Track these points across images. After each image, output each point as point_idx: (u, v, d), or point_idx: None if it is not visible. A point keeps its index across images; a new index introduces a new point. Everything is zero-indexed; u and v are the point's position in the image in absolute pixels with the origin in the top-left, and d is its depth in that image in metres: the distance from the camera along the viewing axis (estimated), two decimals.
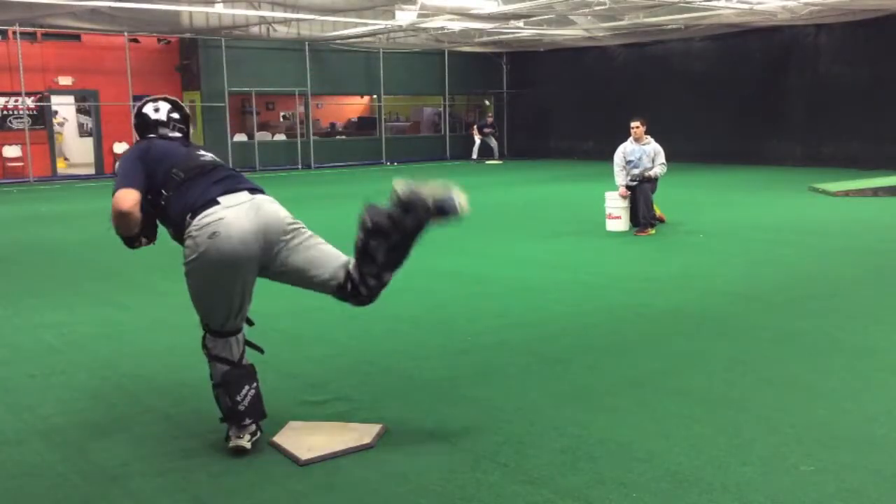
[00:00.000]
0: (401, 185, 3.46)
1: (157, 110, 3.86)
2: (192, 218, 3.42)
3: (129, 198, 3.43)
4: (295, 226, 3.57)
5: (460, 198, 3.48)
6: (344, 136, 25.54)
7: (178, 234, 3.53)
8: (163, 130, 3.82)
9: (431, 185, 3.48)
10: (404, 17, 17.62)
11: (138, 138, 3.86)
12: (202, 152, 3.77)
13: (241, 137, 22.58)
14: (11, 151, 19.65)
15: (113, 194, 3.48)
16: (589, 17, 18.75)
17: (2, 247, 9.71)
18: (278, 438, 3.64)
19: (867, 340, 5.15)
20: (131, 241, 3.64)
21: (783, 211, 11.80)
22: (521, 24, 19.45)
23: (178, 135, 3.84)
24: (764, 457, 3.40)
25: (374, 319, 5.78)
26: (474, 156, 24.36)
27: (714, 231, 9.82)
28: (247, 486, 3.23)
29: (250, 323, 3.70)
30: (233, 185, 3.56)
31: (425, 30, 20.14)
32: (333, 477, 3.29)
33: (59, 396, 4.30)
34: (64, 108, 22.45)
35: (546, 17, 18.71)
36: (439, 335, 5.44)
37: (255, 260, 3.46)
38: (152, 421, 3.93)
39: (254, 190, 3.58)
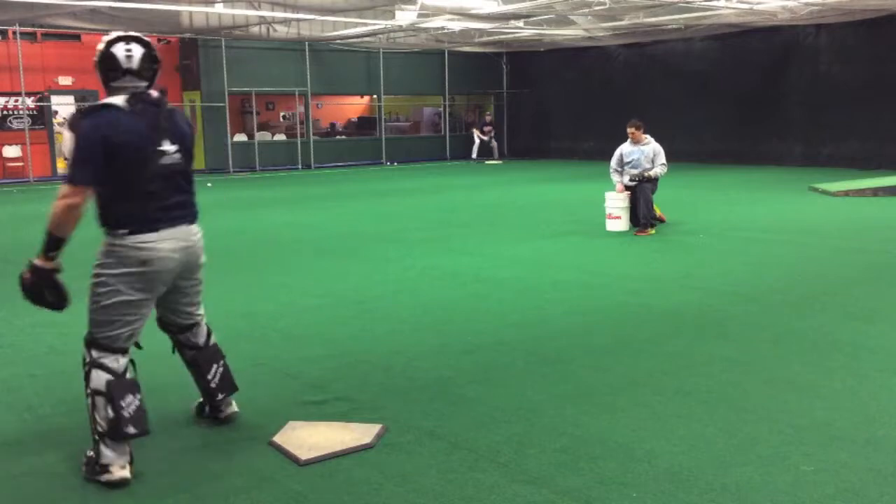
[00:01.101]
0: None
1: (129, 54, 3.31)
2: (128, 235, 3.29)
3: (78, 198, 3.22)
4: (200, 274, 3.68)
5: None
6: (344, 136, 25.54)
7: (100, 220, 3.36)
8: (128, 81, 3.33)
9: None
10: (404, 17, 17.61)
11: (101, 78, 3.37)
12: (167, 146, 3.35)
13: (241, 137, 22.57)
14: (11, 151, 19.66)
15: (65, 182, 3.24)
16: (589, 17, 18.73)
17: (2, 247, 9.70)
18: (278, 438, 3.64)
19: (867, 340, 5.15)
20: (38, 299, 3.49)
21: (783, 211, 11.80)
22: (521, 24, 19.44)
23: (143, 84, 3.36)
24: (764, 457, 3.40)
25: (374, 319, 5.78)
26: (474, 155, 24.36)
27: (714, 231, 9.83)
28: (247, 486, 3.23)
29: (139, 346, 3.57)
30: (176, 215, 3.41)
31: (425, 30, 20.13)
32: (333, 477, 3.30)
33: (59, 396, 4.31)
34: (64, 108, 22.44)
35: (546, 17, 18.70)
36: (439, 335, 5.43)
37: (161, 291, 3.50)
38: (152, 421, 3.92)
39: (193, 219, 3.53)
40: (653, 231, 9.64)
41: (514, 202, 13.67)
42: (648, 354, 4.93)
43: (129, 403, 3.30)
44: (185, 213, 3.49)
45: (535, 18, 18.93)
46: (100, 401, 3.28)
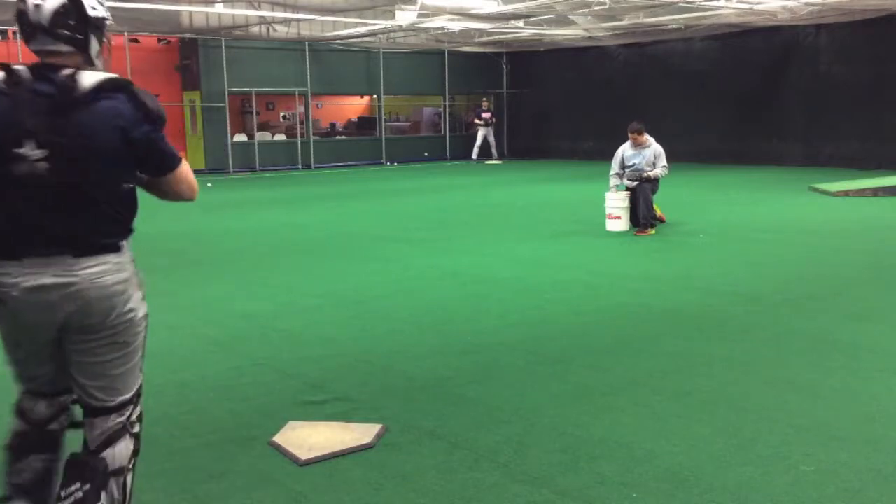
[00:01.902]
0: None
1: (37, 3, 2.48)
2: None
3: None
4: (111, 336, 2.63)
5: None
6: (344, 136, 25.53)
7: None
8: (41, 43, 2.51)
9: None
10: (404, 17, 17.61)
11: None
12: (27, 149, 2.41)
13: (241, 137, 22.57)
14: None
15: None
16: (589, 17, 18.73)
17: None
18: (278, 438, 3.64)
19: (867, 340, 5.15)
20: None
21: (783, 211, 11.80)
22: (521, 24, 19.45)
23: (67, 48, 2.55)
24: (764, 457, 3.40)
25: (374, 319, 5.78)
26: (474, 156, 24.35)
27: (714, 231, 9.83)
28: (247, 486, 3.23)
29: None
30: (38, 242, 2.47)
31: (425, 30, 20.14)
32: (333, 477, 3.30)
33: None
34: None
35: (546, 17, 18.70)
36: (439, 335, 5.44)
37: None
38: (152, 421, 3.92)
39: (81, 251, 2.50)
40: (653, 231, 9.64)
41: (514, 202, 13.68)
42: (648, 354, 4.93)
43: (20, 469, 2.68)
44: (64, 242, 2.48)
45: (535, 18, 18.93)
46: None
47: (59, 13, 2.50)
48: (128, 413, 2.68)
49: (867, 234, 9.50)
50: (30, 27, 2.50)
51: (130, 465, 2.69)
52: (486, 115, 24.37)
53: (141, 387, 2.75)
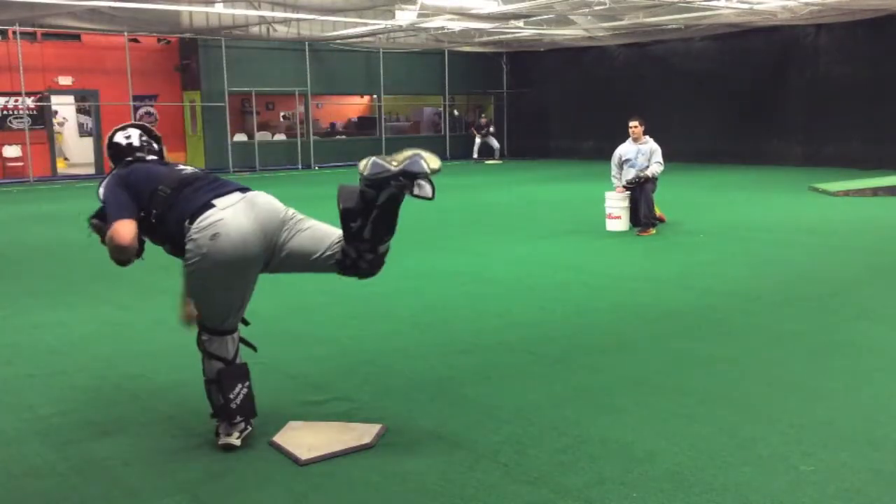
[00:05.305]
0: (363, 162, 3.36)
1: (128, 137, 3.86)
2: (191, 223, 3.44)
3: (128, 230, 3.45)
4: (290, 214, 3.62)
5: (426, 157, 3.31)
6: (344, 136, 25.53)
7: (176, 248, 3.56)
8: (138, 155, 3.82)
9: (397, 155, 3.36)
10: (404, 17, 17.62)
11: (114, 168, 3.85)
12: (182, 166, 3.79)
13: (241, 137, 22.57)
14: (11, 151, 19.64)
15: (105, 226, 3.50)
16: (589, 17, 18.74)
17: (2, 247, 9.71)
18: (278, 438, 3.64)
19: (867, 340, 5.15)
20: (124, 263, 3.67)
21: (783, 211, 11.80)
22: (521, 24, 19.45)
23: (152, 157, 3.85)
24: (764, 457, 3.40)
25: (374, 319, 5.78)
26: (474, 155, 24.36)
27: (714, 231, 9.82)
28: (247, 486, 3.23)
29: (246, 322, 3.73)
30: (223, 188, 3.59)
31: (425, 30, 20.14)
32: (333, 477, 3.29)
33: (59, 396, 4.30)
34: (64, 108, 22.46)
35: (546, 17, 18.71)
36: (439, 335, 5.43)
37: (257, 257, 3.51)
38: (152, 421, 3.93)
39: (243, 190, 3.62)
40: (654, 231, 9.64)
41: (514, 202, 13.68)
42: (648, 354, 4.93)
43: (238, 393, 3.54)
44: (229, 186, 3.68)
45: (535, 18, 18.94)
46: (213, 388, 3.57)
47: (142, 136, 3.96)
48: None
49: (867, 233, 9.49)
50: (123, 150, 3.89)
51: None
52: (483, 129, 24.39)
53: None
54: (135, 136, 3.86)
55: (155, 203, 3.54)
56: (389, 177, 3.28)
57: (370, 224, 3.38)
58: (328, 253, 3.54)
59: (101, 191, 3.64)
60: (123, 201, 3.52)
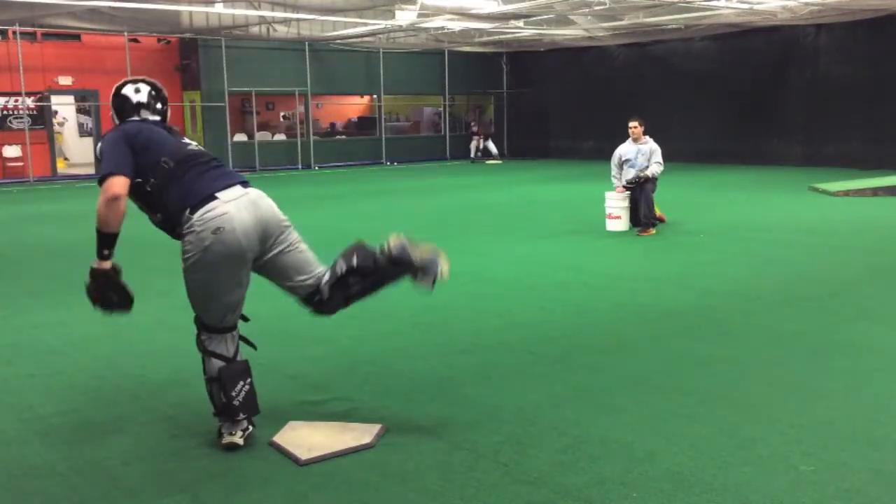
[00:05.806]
0: (394, 240, 3.61)
1: (137, 91, 3.75)
2: (192, 213, 3.42)
3: (119, 183, 3.38)
4: (287, 224, 3.66)
5: (444, 264, 3.61)
6: (344, 136, 25.53)
7: (165, 223, 3.55)
8: (144, 113, 3.74)
9: (422, 246, 3.61)
10: (404, 17, 17.62)
11: (116, 121, 3.74)
12: (186, 140, 3.74)
13: (241, 137, 22.57)
14: (11, 151, 19.64)
15: (100, 180, 3.41)
16: (589, 17, 18.74)
17: (2, 247, 9.70)
18: (278, 438, 3.64)
19: (867, 340, 5.15)
20: (106, 306, 3.65)
21: (783, 211, 11.80)
22: (521, 24, 19.45)
23: (157, 118, 3.76)
24: (764, 457, 3.40)
25: (373, 319, 5.78)
26: (473, 155, 24.37)
27: (714, 231, 9.82)
28: (247, 486, 3.23)
29: (245, 319, 3.74)
30: (227, 179, 3.57)
31: (425, 30, 20.14)
32: (333, 477, 3.29)
33: (59, 396, 4.30)
34: (64, 108, 22.45)
35: (546, 17, 18.71)
36: (439, 335, 5.44)
37: (253, 255, 3.54)
38: (152, 421, 3.93)
39: (244, 183, 3.62)
40: (654, 231, 9.64)
41: (514, 202, 13.68)
42: (648, 354, 4.93)
43: (240, 391, 3.54)
44: (233, 178, 3.69)
45: (535, 18, 18.94)
46: (214, 387, 3.56)
47: (151, 93, 3.85)
48: None
49: (867, 233, 9.49)
50: (131, 105, 3.77)
51: None
52: (476, 136, 24.47)
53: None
54: (144, 92, 3.76)
55: (156, 173, 3.48)
56: (408, 264, 3.59)
57: (362, 285, 3.68)
58: (309, 282, 3.69)
59: (102, 145, 3.55)
60: (124, 158, 3.45)
